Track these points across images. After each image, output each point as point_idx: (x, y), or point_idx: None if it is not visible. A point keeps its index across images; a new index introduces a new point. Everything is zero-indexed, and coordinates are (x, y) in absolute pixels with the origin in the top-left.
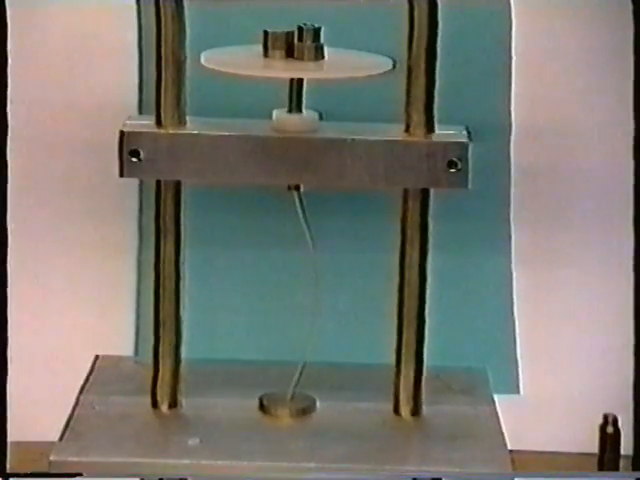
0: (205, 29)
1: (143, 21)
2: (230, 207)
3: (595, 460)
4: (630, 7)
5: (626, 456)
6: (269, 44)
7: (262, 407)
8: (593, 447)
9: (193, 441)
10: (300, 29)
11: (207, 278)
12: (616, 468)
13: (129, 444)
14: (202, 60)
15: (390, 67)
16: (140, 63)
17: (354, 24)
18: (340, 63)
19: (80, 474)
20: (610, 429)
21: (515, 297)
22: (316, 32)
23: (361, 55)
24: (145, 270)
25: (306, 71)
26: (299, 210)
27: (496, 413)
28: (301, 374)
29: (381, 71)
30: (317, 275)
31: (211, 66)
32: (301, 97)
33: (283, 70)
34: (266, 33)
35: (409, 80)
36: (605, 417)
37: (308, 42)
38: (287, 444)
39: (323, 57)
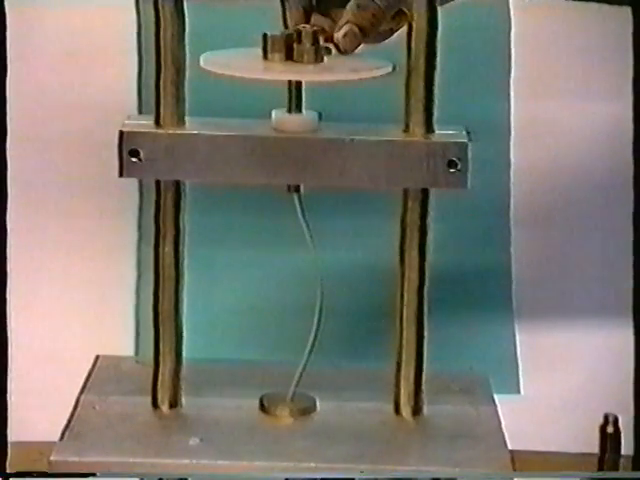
0: (205, 29)
1: (143, 21)
2: (230, 207)
3: (595, 460)
4: (630, 7)
5: (626, 456)
6: (268, 47)
7: (262, 407)
8: (593, 447)
9: (193, 441)
10: (299, 32)
11: (207, 278)
12: (616, 468)
13: (129, 444)
14: (201, 63)
15: (390, 70)
16: (140, 63)
17: None
18: (339, 66)
19: (93, 474)
20: (610, 429)
21: (514, 297)
22: (315, 35)
23: (360, 57)
24: (145, 270)
25: (305, 74)
26: (299, 211)
27: (497, 413)
28: (301, 374)
29: (381, 74)
30: (318, 275)
31: (210, 69)
32: (300, 98)
33: (282, 73)
34: (265, 36)
35: (409, 80)
36: (605, 417)
37: (307, 45)
38: (287, 444)
39: (322, 59)
